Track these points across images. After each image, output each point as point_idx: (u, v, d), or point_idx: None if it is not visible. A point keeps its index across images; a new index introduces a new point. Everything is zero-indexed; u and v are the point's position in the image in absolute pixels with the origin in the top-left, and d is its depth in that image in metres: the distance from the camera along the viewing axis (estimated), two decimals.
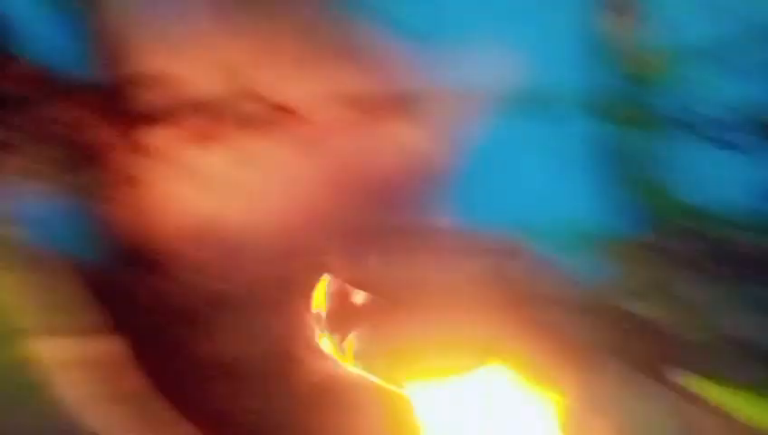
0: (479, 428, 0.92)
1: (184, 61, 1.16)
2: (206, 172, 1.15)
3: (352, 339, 1.04)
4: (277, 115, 1.14)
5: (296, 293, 1.09)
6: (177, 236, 1.14)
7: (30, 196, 1.01)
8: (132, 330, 0.79)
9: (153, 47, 1.14)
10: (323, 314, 1.06)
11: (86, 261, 0.88)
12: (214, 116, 1.14)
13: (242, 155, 1.14)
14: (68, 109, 1.08)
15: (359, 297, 1.06)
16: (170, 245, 1.14)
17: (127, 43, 1.12)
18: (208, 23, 1.15)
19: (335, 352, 1.03)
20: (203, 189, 1.15)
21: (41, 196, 1.01)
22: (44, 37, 1.10)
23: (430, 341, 0.96)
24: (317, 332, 1.05)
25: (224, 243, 1.15)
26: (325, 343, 1.04)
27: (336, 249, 1.12)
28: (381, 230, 1.11)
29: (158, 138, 1.14)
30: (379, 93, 1.15)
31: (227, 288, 1.13)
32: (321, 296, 1.08)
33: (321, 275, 1.09)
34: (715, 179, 0.96)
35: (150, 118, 1.12)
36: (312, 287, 1.08)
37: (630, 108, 0.96)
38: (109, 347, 0.79)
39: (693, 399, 0.88)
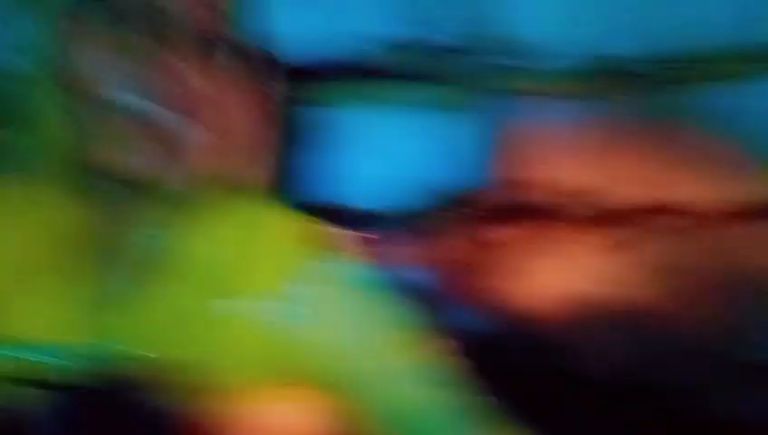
0: None
1: (541, 166, 1.24)
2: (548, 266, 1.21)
3: None
4: (633, 214, 1.17)
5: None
6: (539, 319, 1.20)
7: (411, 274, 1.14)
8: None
9: (526, 154, 1.23)
10: None
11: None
12: (558, 217, 1.21)
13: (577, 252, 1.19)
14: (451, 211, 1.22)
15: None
16: (530, 327, 1.20)
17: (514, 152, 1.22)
18: (574, 131, 1.22)
19: None
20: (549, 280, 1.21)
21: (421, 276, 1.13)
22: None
23: None
24: None
25: (586, 329, 1.19)
26: None
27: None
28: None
29: (505, 235, 1.23)
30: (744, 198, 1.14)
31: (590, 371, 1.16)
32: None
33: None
34: None
35: (501, 217, 1.22)
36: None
37: None
38: None
39: None
